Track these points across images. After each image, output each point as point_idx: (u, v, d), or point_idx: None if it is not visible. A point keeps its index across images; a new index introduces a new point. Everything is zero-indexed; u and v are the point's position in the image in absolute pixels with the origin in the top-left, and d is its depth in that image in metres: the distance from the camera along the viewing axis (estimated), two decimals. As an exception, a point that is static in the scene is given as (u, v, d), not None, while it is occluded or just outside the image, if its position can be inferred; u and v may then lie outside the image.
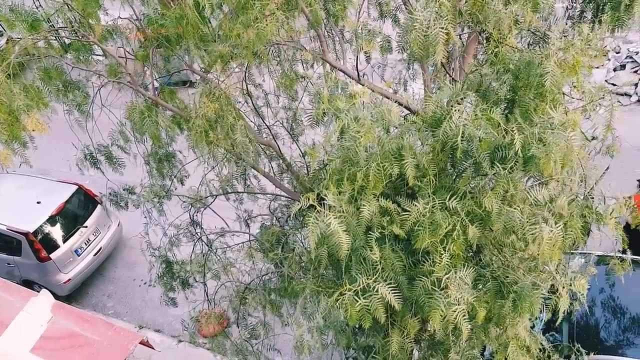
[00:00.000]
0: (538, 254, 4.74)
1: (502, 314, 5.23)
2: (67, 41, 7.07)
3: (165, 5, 6.36)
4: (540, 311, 5.24)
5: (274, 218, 7.82)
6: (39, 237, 12.25)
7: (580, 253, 7.87)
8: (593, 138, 5.60)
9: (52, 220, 12.51)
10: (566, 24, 7.04)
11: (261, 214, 8.08)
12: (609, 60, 15.82)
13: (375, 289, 4.61)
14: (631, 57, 15.61)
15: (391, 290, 4.63)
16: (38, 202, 12.67)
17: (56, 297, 10.07)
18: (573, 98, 5.48)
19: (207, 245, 7.98)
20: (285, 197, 7.66)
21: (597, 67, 15.30)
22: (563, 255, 5.22)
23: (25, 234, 12.12)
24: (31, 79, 6.56)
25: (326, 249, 4.79)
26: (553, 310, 5.16)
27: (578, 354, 7.48)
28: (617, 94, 15.03)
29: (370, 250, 4.71)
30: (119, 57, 6.92)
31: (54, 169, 14.79)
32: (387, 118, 4.85)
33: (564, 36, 5.19)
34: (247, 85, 7.14)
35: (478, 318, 4.95)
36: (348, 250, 4.59)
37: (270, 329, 8.00)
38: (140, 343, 8.45)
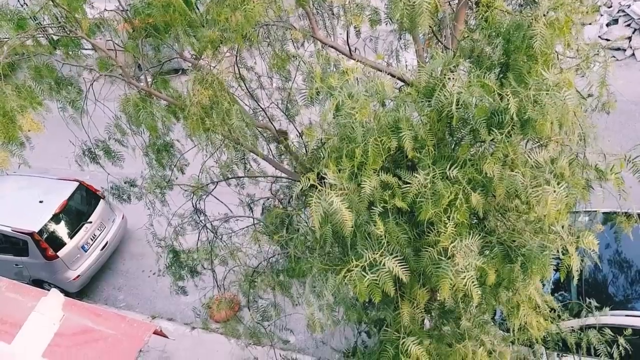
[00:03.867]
0: (544, 216, 4.73)
1: (511, 277, 5.25)
2: (55, 38, 7.02)
3: (151, -7, 6.29)
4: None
5: (277, 200, 7.82)
6: (45, 236, 12.27)
7: (585, 211, 7.87)
8: (589, 95, 5.56)
9: (56, 219, 12.51)
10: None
11: (263, 197, 8.08)
12: (601, 15, 15.68)
13: (382, 263, 4.63)
14: (623, 11, 15.47)
15: (398, 263, 4.64)
16: (40, 202, 12.67)
17: (67, 294, 10.13)
18: (567, 57, 5.43)
19: (213, 232, 7.99)
20: (286, 178, 7.65)
21: (590, 24, 15.16)
22: (569, 214, 5.21)
23: (31, 234, 12.14)
24: (22, 79, 6.53)
25: (330, 227, 4.79)
26: (556, 269, 5.16)
27: (589, 310, 7.51)
28: (611, 49, 14.92)
29: (374, 225, 4.72)
30: (109, 49, 6.87)
31: (53, 167, 14.78)
32: (382, 92, 4.82)
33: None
34: (239, 69, 7.09)
35: (488, 281, 4.96)
36: (352, 227, 4.59)
37: (281, 309, 8.05)
38: (154, 333, 8.51)
